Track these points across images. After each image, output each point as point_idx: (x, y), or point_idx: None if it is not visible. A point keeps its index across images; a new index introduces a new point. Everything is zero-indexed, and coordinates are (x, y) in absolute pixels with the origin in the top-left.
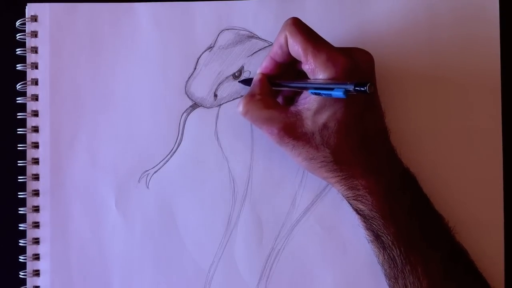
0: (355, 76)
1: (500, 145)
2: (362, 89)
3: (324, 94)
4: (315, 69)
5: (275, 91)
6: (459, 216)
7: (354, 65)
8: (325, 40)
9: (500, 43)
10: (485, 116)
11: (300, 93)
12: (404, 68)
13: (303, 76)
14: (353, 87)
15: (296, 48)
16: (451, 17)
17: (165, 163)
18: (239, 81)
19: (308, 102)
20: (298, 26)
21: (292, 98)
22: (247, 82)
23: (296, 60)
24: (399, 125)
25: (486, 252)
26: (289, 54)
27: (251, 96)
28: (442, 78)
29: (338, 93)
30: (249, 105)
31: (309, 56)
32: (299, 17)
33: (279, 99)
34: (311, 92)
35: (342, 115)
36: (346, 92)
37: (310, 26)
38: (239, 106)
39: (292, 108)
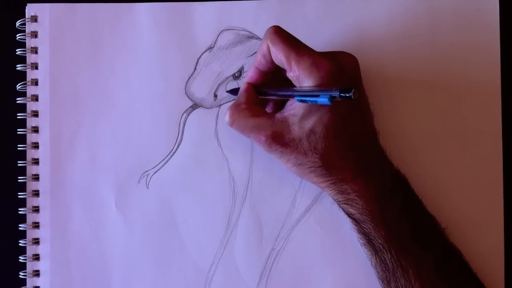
0: (340, 79)
1: (500, 147)
2: (347, 95)
3: (310, 101)
4: (300, 76)
5: (263, 100)
6: (459, 217)
7: (339, 69)
8: (307, 46)
9: (500, 46)
10: (485, 118)
11: (288, 99)
12: (404, 69)
13: (291, 82)
14: (338, 93)
15: (279, 57)
16: (451, 19)
17: (165, 163)
18: (227, 91)
19: (294, 108)
20: (279, 34)
21: (282, 104)
22: (235, 92)
23: (281, 68)
24: (399, 127)
25: (486, 252)
26: (273, 62)
27: (236, 106)
28: (441, 80)
29: (323, 100)
30: (235, 114)
31: (292, 64)
32: (297, 18)
33: (269, 106)
34: (297, 100)
35: (328, 119)
36: (332, 98)
37: (310, 27)
38: (225, 116)
39: (278, 115)
